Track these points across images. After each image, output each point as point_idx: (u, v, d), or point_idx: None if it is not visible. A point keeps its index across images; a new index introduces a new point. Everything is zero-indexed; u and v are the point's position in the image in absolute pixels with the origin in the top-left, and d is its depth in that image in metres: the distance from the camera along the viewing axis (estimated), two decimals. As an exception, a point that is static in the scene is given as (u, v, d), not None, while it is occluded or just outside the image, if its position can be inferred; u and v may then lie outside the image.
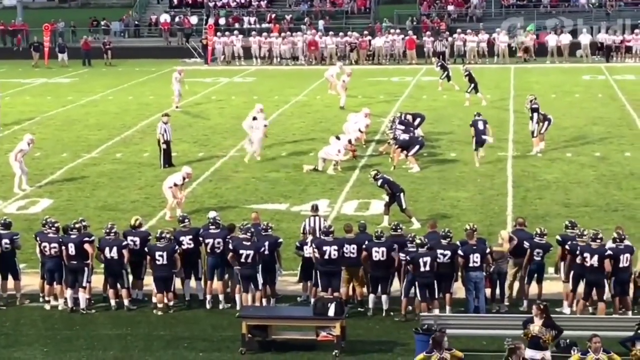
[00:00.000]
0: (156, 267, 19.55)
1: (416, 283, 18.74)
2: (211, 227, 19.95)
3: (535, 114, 31.40)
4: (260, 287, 19.27)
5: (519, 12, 63.46)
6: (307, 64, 56.69)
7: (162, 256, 19.44)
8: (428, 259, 18.62)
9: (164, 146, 30.54)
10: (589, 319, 18.00)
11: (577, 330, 16.79)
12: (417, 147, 29.93)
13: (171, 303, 19.56)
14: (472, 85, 39.75)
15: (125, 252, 19.59)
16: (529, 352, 15.35)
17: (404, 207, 24.27)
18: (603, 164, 30.27)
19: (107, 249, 19.59)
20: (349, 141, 30.41)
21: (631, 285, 18.97)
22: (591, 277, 18.51)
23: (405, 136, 30.01)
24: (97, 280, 20.05)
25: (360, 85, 45.76)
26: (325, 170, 29.55)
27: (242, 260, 19.13)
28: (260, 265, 19.29)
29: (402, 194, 24.32)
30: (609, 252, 18.54)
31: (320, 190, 27.76)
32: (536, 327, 15.82)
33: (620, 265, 18.54)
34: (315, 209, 21.42)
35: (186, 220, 20.32)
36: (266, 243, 19.44)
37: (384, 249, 19.17)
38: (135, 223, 20.30)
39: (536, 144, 31.54)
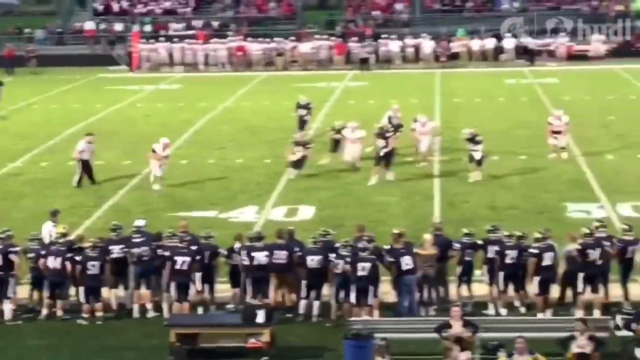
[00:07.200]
0: (87, 277, 19.39)
1: (351, 287, 18.70)
2: (137, 235, 19.89)
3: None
4: (191, 296, 19.24)
5: (443, 17, 63.92)
6: (233, 71, 56.56)
7: (94, 266, 19.33)
8: (366, 264, 18.63)
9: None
10: (514, 320, 18.06)
11: (503, 332, 16.87)
12: None
13: (100, 313, 19.41)
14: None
15: (67, 262, 19.39)
16: None
17: None
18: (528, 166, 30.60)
19: (50, 259, 19.37)
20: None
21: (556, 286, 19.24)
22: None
23: None
24: (23, 291, 19.85)
25: (286, 90, 45.74)
26: None
27: (178, 267, 19.15)
28: (199, 274, 19.30)
29: None
30: (532, 250, 18.86)
31: (249, 197, 27.73)
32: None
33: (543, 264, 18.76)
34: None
35: (118, 230, 20.20)
36: (207, 252, 19.49)
37: (319, 256, 19.15)
38: (63, 232, 20.20)
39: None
